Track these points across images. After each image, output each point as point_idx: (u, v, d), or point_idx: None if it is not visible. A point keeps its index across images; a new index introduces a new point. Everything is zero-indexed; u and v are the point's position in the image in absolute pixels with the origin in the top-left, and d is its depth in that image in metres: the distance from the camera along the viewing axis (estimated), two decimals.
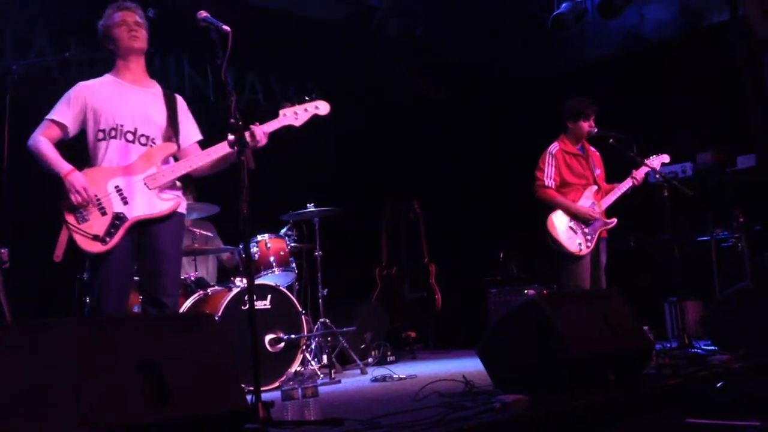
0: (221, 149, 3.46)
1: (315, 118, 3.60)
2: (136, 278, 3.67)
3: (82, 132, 3.53)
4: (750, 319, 4.33)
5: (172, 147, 3.57)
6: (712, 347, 4.68)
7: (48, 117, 3.45)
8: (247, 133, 3.28)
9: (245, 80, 7.34)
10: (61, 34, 5.94)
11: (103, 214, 3.33)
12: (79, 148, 3.54)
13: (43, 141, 3.39)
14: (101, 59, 5.53)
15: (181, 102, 3.70)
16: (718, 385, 3.48)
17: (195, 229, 5.37)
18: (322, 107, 3.62)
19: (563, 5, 7.44)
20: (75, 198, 3.27)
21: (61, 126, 3.43)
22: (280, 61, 7.48)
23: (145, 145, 3.50)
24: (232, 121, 3.06)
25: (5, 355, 1.90)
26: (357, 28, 7.35)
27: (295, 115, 3.53)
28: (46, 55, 5.83)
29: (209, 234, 5.72)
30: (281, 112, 3.52)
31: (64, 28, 5.94)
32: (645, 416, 3.26)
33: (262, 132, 3.41)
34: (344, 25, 7.37)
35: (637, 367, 3.57)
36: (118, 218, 3.34)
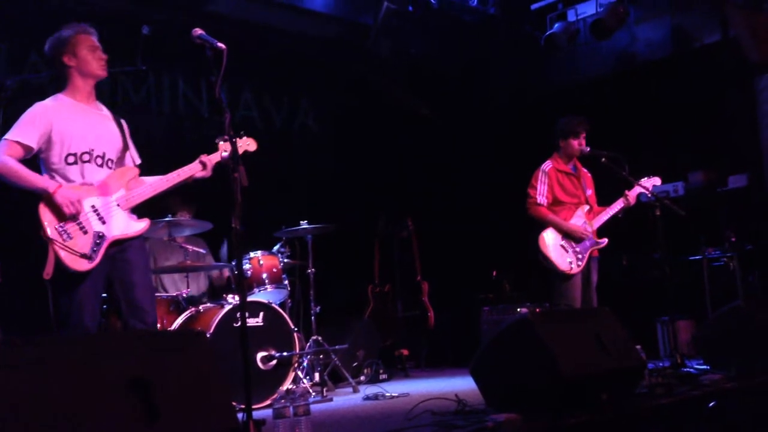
0: (181, 175, 3.67)
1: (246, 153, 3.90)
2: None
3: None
4: (742, 338, 4.34)
5: (135, 171, 3.71)
6: (705, 367, 4.67)
7: (10, 137, 3.39)
8: (199, 165, 3.69)
9: (239, 97, 7.35)
10: None
11: (85, 232, 3.37)
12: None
13: (11, 160, 3.37)
14: None
15: (125, 125, 3.78)
16: (711, 404, 3.48)
17: (188, 246, 5.36)
18: (252, 145, 3.94)
19: (556, 26, 7.50)
20: (69, 209, 3.30)
21: (26, 148, 3.41)
22: (274, 78, 7.51)
23: (110, 168, 3.60)
24: (227, 137, 3.08)
25: None
26: (351, 46, 7.40)
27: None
28: (41, 70, 5.83)
29: (201, 251, 5.70)
30: (220, 146, 3.73)
31: None
32: None
33: (210, 162, 3.71)
34: (338, 43, 7.41)
35: (629, 387, 3.57)
36: (99, 237, 3.40)
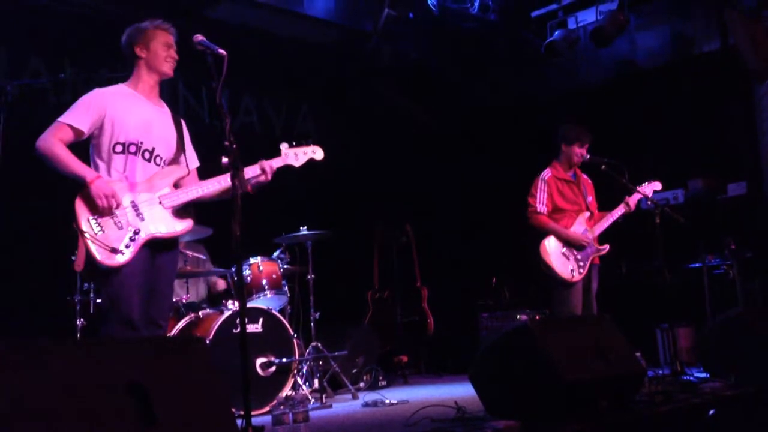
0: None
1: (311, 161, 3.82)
2: None
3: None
4: (742, 346, 4.34)
5: (185, 171, 3.58)
6: (704, 374, 4.67)
7: (63, 120, 3.32)
8: (258, 170, 3.54)
9: (240, 103, 7.36)
10: (56, 54, 5.95)
11: (120, 227, 3.26)
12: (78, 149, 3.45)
13: (58, 144, 3.29)
14: (97, 80, 5.54)
15: (185, 127, 3.70)
16: (710, 412, 3.47)
17: (187, 252, 5.36)
18: (318, 153, 3.83)
19: (556, 33, 7.52)
20: (102, 203, 3.21)
21: (77, 132, 3.32)
22: (274, 84, 7.52)
23: (159, 165, 3.49)
24: (227, 143, 3.07)
25: None
26: (350, 52, 7.41)
27: (295, 157, 3.74)
28: (41, 75, 5.83)
29: (201, 256, 5.70)
30: (283, 151, 3.70)
31: (59, 48, 5.96)
32: None
33: (270, 168, 3.59)
34: (339, 49, 7.43)
35: (629, 394, 3.56)
36: (135, 233, 3.28)
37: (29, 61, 5.87)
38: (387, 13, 6.92)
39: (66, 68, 5.91)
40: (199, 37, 3.18)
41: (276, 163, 3.64)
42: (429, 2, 6.96)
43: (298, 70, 7.52)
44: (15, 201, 5.21)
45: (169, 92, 6.75)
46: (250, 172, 3.52)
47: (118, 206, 3.27)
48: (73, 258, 4.67)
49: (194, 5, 6.32)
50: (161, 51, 3.50)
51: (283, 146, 3.72)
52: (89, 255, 3.20)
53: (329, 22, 7.02)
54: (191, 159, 3.70)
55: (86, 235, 3.20)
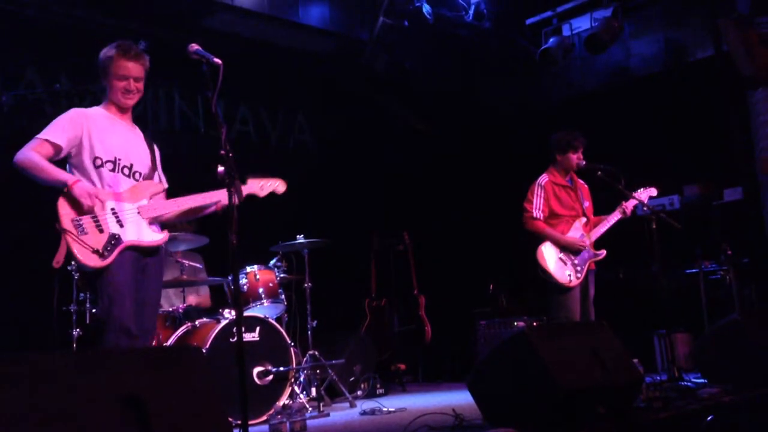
0: (210, 197, 3.62)
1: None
2: None
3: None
4: (739, 352, 4.34)
5: (161, 186, 3.70)
6: (702, 380, 4.67)
7: (42, 136, 3.40)
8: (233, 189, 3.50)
9: (236, 112, 7.37)
10: (52, 66, 5.95)
11: (101, 231, 3.35)
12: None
13: (36, 155, 3.37)
14: (91, 91, 5.55)
15: (157, 150, 3.80)
16: (708, 418, 3.47)
17: (184, 261, 5.35)
18: (281, 186, 3.96)
19: (551, 40, 7.55)
20: (87, 201, 3.30)
21: (56, 147, 3.41)
22: (270, 93, 7.53)
23: (137, 180, 3.60)
24: (222, 153, 3.07)
25: None
26: (346, 61, 7.43)
27: (260, 188, 3.87)
28: (36, 86, 5.83)
29: (198, 265, 5.69)
30: (249, 181, 3.81)
31: (54, 60, 5.96)
32: None
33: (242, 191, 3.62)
34: (334, 58, 7.45)
35: (626, 401, 3.56)
36: (114, 238, 3.37)
37: (25, 73, 5.87)
38: (382, 22, 6.94)
39: (61, 80, 5.91)
40: (195, 47, 3.18)
41: (245, 188, 3.71)
42: (424, 10, 6.98)
43: (294, 79, 7.53)
44: (10, 210, 5.20)
45: (165, 101, 6.76)
46: (218, 195, 3.59)
47: (102, 205, 3.36)
48: (71, 265, 4.68)
49: (190, 15, 6.33)
50: (118, 84, 3.55)
51: (250, 178, 3.83)
52: (72, 255, 3.27)
53: (325, 31, 7.04)
54: (162, 180, 3.78)
55: (70, 234, 3.27)
